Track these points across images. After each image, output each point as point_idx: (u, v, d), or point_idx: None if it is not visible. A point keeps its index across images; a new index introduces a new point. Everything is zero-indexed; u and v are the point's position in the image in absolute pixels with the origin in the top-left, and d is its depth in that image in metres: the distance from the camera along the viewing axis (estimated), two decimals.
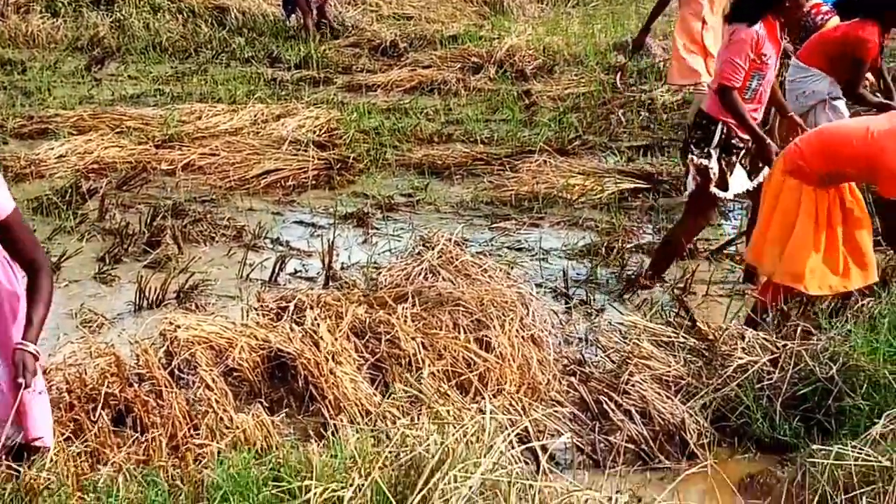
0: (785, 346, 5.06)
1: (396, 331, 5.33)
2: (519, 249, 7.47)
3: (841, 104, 7.58)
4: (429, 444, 3.74)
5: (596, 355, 5.64)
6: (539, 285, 6.71)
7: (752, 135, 6.12)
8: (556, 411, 4.97)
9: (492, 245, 7.52)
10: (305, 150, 9.41)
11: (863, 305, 5.32)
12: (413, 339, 5.29)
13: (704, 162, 6.20)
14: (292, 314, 5.67)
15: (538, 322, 5.71)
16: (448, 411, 4.53)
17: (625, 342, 5.50)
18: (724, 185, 6.26)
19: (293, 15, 16.09)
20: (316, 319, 5.43)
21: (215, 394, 4.90)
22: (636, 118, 10.47)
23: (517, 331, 5.47)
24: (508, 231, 7.82)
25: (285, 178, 9.04)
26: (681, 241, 6.60)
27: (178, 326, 5.45)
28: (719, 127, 6.21)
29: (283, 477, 3.86)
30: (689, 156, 6.27)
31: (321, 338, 5.22)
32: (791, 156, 5.63)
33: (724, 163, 6.22)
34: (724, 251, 7.22)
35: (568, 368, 5.42)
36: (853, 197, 5.68)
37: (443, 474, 3.56)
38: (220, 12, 17.17)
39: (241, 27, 16.44)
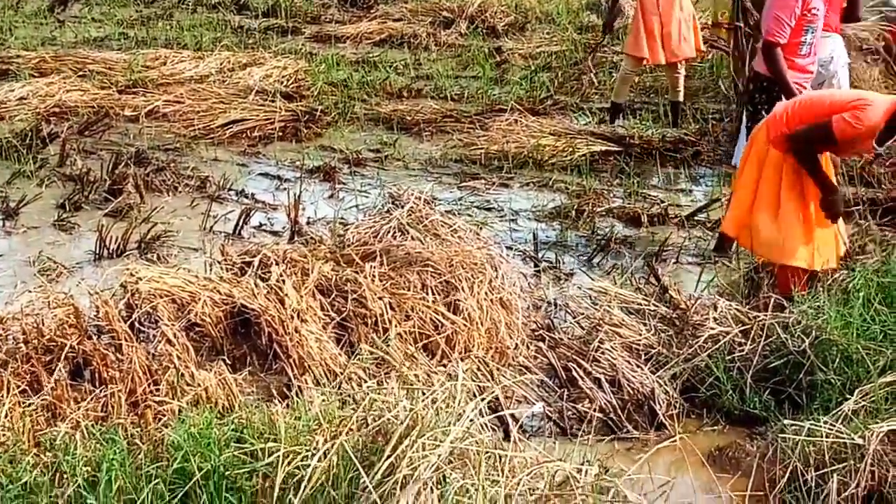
0: (757, 317, 4.99)
1: (363, 290, 5.21)
2: (488, 209, 7.37)
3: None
4: (397, 411, 3.64)
5: (565, 321, 5.55)
6: (509, 247, 6.61)
7: (789, 93, 6.02)
8: (524, 378, 4.89)
9: (461, 204, 7.41)
10: (272, 101, 9.28)
11: (835, 279, 5.25)
12: (380, 298, 5.18)
13: None
14: (257, 269, 5.54)
15: (507, 285, 5.61)
16: (416, 375, 4.45)
17: (595, 308, 5.42)
18: None
19: None
20: (281, 276, 5.31)
21: (177, 349, 4.78)
22: (608, 79, 10.34)
23: (486, 293, 5.38)
24: (478, 190, 7.71)
25: (251, 128, 8.91)
26: None
27: (140, 278, 5.30)
28: None
29: (245, 438, 3.76)
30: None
31: (286, 295, 5.10)
32: (774, 124, 5.52)
33: None
34: (696, 217, 7.13)
35: (537, 333, 5.34)
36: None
37: (411, 441, 3.47)
38: None
39: None
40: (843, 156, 5.71)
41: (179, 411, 4.23)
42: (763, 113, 6.18)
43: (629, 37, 9.04)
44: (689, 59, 9.10)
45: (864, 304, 4.90)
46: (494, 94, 10.00)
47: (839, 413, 4.23)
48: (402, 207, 6.30)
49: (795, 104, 5.55)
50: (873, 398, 4.32)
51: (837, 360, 4.62)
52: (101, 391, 4.45)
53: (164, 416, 4.29)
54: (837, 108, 5.25)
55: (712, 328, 5.01)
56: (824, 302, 4.94)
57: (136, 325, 5.04)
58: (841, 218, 5.54)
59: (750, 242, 5.66)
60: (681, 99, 9.00)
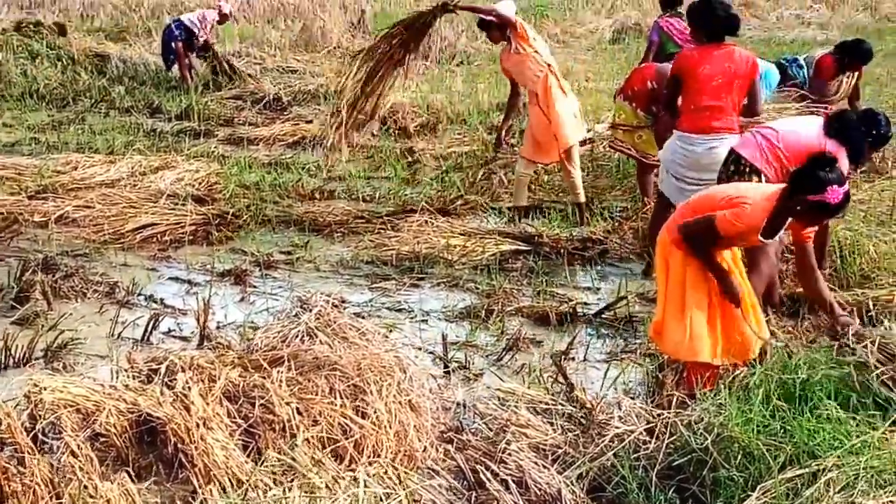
0: (661, 415, 5.06)
1: (271, 395, 5.20)
2: (399, 310, 7.41)
3: None
4: None
5: (474, 422, 5.58)
6: (418, 348, 6.65)
7: None
8: (432, 482, 4.89)
9: (371, 306, 7.44)
10: (183, 205, 9.27)
11: (736, 376, 5.35)
12: (288, 403, 5.17)
13: None
14: (163, 376, 5.50)
15: (416, 387, 5.62)
16: (322, 480, 4.44)
17: (503, 409, 5.46)
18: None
19: (174, 66, 15.91)
20: (187, 383, 5.28)
21: (80, 460, 4.72)
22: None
23: (394, 396, 5.38)
24: (389, 291, 7.76)
25: (162, 232, 8.88)
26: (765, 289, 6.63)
27: (44, 388, 5.23)
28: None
29: None
30: None
31: (192, 402, 5.07)
32: (675, 224, 5.67)
33: None
34: (603, 315, 7.23)
35: (445, 435, 5.36)
36: (736, 267, 5.74)
37: None
38: (101, 60, 17.01)
39: (122, 76, 16.30)
40: (737, 246, 5.86)
41: None
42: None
43: (525, 142, 9.32)
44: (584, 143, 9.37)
45: (764, 400, 4.99)
46: (406, 195, 10.10)
47: None
48: (311, 311, 6.31)
49: (690, 205, 5.71)
50: (774, 494, 4.39)
51: (739, 456, 4.68)
52: None
53: None
54: (723, 205, 5.44)
55: (617, 427, 5.06)
56: (725, 399, 5.02)
57: (40, 436, 4.97)
58: (758, 313, 5.70)
59: (659, 342, 5.81)
60: (581, 200, 9.18)
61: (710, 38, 7.36)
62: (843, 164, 6.92)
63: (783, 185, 5.55)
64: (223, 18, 15.93)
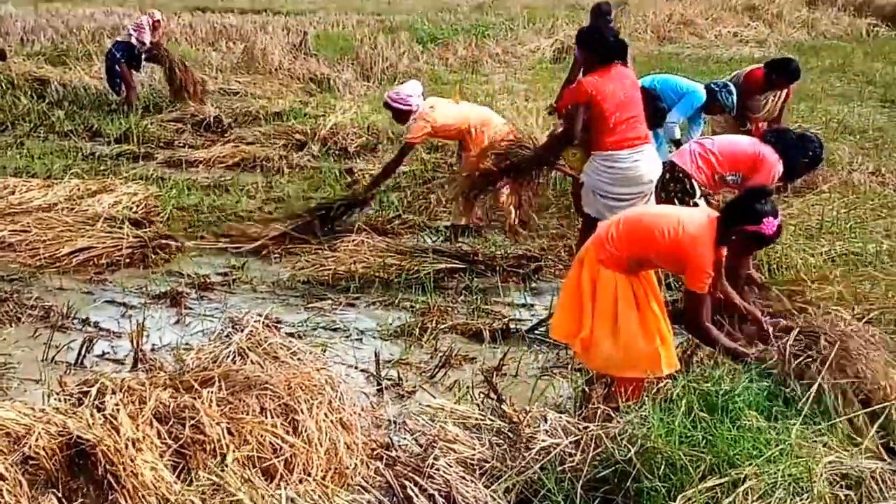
0: (586, 428, 5.15)
1: (201, 415, 5.22)
2: (334, 330, 7.47)
3: None
4: None
5: (404, 439, 5.64)
6: (352, 367, 6.70)
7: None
8: (361, 498, 4.94)
9: (307, 325, 7.49)
10: (120, 228, 9.24)
11: (660, 388, 5.45)
12: (218, 423, 5.19)
13: None
14: (94, 399, 5.50)
15: (347, 405, 5.67)
16: (251, 499, 4.48)
17: (432, 425, 5.51)
18: None
19: (121, 88, 15.83)
20: (118, 404, 5.29)
21: (8, 483, 4.73)
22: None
23: (325, 414, 5.43)
24: (324, 311, 7.81)
25: (98, 256, 8.86)
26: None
27: None
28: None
29: None
30: None
31: (122, 424, 5.08)
32: (601, 245, 5.76)
33: None
34: (536, 331, 7.32)
35: (375, 452, 5.40)
36: (652, 292, 5.87)
37: None
38: (41, 84, 16.90)
39: (62, 100, 16.18)
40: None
41: None
42: (675, 201, 7.05)
43: (464, 163, 9.41)
44: None
45: (687, 411, 5.09)
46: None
47: None
48: (242, 331, 6.34)
49: (619, 224, 5.80)
50: (695, 503, 4.49)
51: (662, 467, 4.77)
52: None
53: None
54: (665, 245, 5.59)
55: (544, 440, 5.14)
56: (649, 411, 5.11)
57: None
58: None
59: (587, 358, 5.91)
60: (514, 221, 9.18)
61: (602, 61, 7.65)
62: (778, 171, 7.14)
63: (713, 216, 5.69)
64: (155, 26, 15.87)
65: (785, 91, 10.38)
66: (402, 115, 9.60)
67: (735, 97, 9.72)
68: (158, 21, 16.03)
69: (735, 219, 5.56)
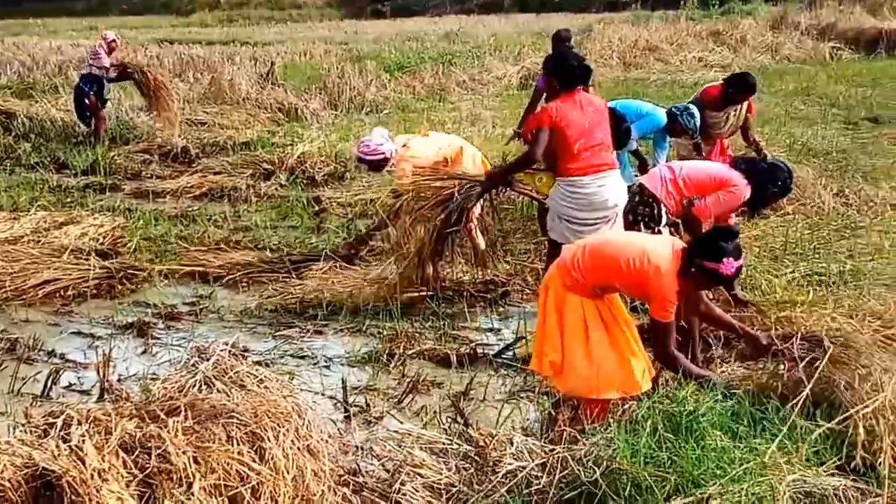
0: (553, 450, 5.16)
1: (167, 445, 5.21)
2: (302, 357, 7.47)
3: None
4: None
5: (371, 464, 5.64)
6: (320, 394, 6.71)
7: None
8: None
9: (274, 353, 7.49)
10: (87, 259, 9.22)
11: (625, 409, 5.48)
12: (184, 452, 5.18)
13: None
14: (60, 430, 5.49)
15: (315, 432, 5.67)
16: None
17: (398, 450, 5.52)
18: None
19: (92, 120, 15.81)
20: (83, 435, 5.28)
21: None
22: None
23: (292, 441, 5.42)
24: (292, 339, 7.81)
25: (64, 287, 8.83)
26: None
27: None
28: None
29: None
30: None
31: (87, 454, 5.07)
32: (566, 271, 5.81)
33: None
34: (503, 355, 7.34)
35: (343, 479, 5.40)
36: (618, 314, 5.92)
37: None
38: (7, 117, 16.92)
39: (29, 133, 16.20)
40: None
41: None
42: (641, 226, 7.27)
43: None
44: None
45: (651, 432, 5.12)
46: (312, 243, 10.16)
47: None
48: (208, 360, 6.34)
49: (584, 251, 5.85)
50: None
51: (628, 488, 4.79)
52: None
53: None
54: (629, 275, 5.65)
55: (510, 463, 5.15)
56: (614, 432, 5.14)
57: None
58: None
59: (559, 381, 5.95)
60: (482, 247, 9.12)
61: (564, 86, 7.66)
62: (745, 195, 7.24)
63: (678, 246, 5.75)
64: (111, 46, 15.84)
65: (745, 104, 10.40)
66: (378, 166, 9.35)
67: (697, 120, 9.74)
68: (114, 41, 16.00)
69: (698, 253, 5.62)
